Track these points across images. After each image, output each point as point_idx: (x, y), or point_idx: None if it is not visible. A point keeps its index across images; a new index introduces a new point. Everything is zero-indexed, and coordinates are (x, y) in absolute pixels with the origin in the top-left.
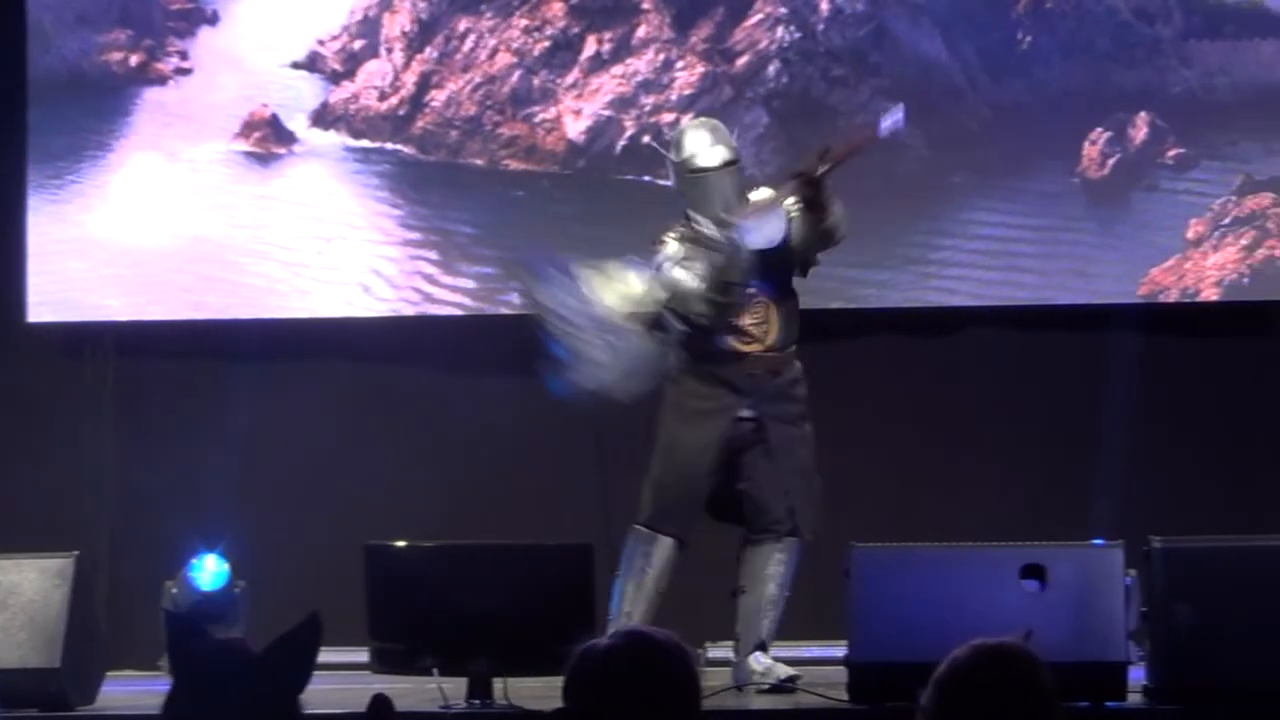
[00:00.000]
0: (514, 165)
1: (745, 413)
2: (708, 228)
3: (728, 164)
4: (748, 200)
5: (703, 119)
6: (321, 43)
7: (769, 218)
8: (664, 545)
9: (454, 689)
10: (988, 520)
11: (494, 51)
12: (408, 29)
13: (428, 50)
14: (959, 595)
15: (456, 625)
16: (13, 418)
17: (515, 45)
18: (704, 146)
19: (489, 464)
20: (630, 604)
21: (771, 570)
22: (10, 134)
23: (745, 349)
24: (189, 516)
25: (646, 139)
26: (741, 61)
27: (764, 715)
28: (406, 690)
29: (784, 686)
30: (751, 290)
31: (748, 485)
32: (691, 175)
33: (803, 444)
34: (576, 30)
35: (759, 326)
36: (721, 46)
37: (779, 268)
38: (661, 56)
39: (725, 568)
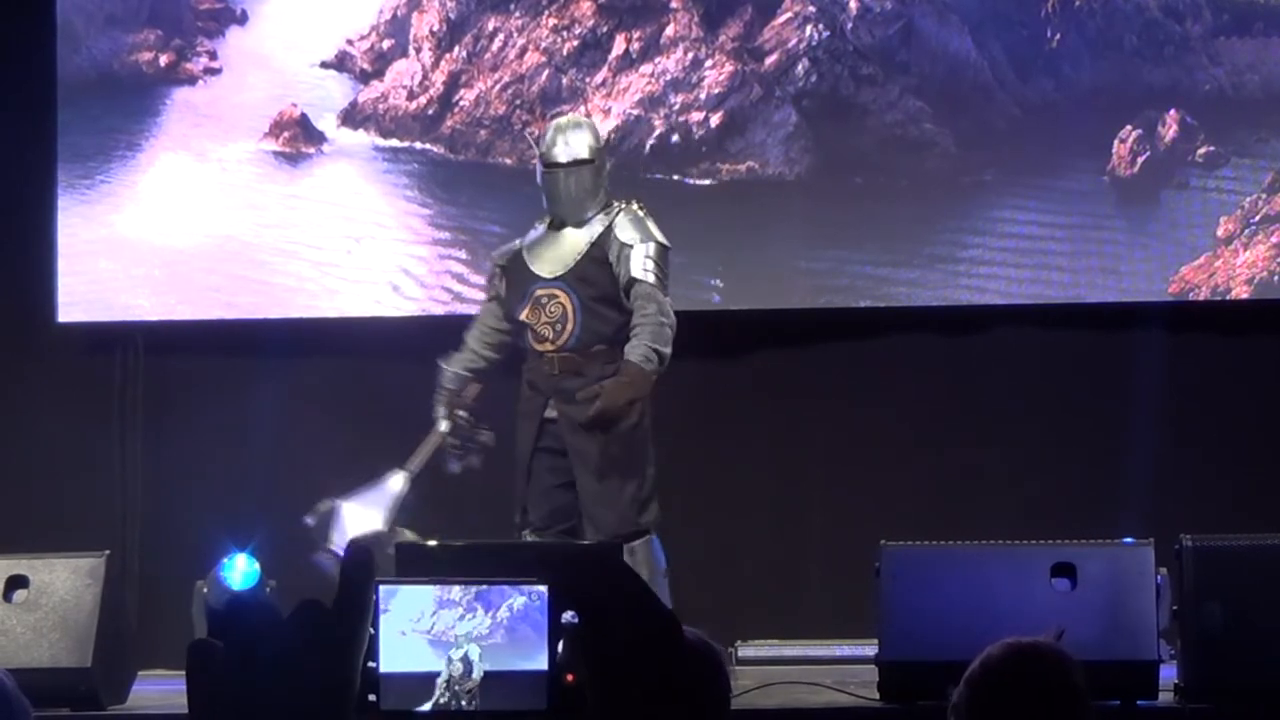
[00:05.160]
0: None
1: (550, 414)
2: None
3: (575, 162)
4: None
5: (572, 116)
6: (350, 42)
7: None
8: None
9: None
10: (1017, 518)
11: (523, 51)
12: (436, 28)
13: (457, 49)
14: (989, 594)
15: None
16: (43, 417)
17: (544, 44)
18: (556, 144)
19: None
20: None
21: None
22: (40, 134)
23: (539, 348)
24: (219, 516)
25: (532, 132)
26: (770, 60)
27: (794, 714)
28: None
29: None
30: (547, 290)
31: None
32: (544, 170)
33: (603, 444)
34: (605, 29)
35: (552, 325)
36: (750, 45)
37: (593, 275)
38: (690, 55)
39: (756, 566)
